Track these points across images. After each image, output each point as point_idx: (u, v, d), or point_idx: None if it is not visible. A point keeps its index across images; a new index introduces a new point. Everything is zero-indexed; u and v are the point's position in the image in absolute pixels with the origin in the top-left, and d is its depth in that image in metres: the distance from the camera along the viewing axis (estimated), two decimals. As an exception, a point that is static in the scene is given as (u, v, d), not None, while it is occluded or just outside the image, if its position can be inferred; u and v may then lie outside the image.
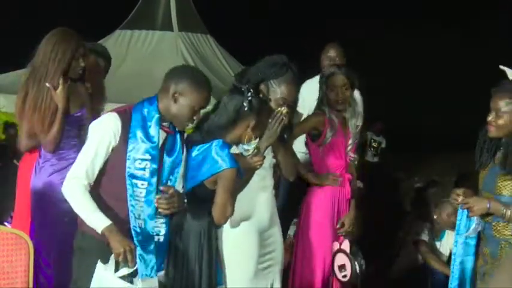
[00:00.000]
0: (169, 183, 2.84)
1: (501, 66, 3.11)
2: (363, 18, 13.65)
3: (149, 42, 9.06)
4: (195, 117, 2.84)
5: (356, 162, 4.17)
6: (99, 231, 2.68)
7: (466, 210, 2.99)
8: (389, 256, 5.16)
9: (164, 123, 2.82)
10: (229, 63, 9.19)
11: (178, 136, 2.89)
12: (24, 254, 3.04)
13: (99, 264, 2.72)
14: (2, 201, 4.06)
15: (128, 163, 2.75)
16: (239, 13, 14.05)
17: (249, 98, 2.97)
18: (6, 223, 3.88)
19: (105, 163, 2.77)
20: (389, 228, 5.65)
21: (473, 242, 3.15)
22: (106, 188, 2.80)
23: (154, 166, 2.78)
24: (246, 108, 2.96)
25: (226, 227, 3.12)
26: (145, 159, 2.76)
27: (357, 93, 4.60)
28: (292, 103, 3.23)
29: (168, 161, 2.84)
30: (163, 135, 2.83)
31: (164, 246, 2.86)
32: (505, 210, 2.92)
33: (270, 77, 3.19)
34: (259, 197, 3.24)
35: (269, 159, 3.26)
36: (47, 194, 3.28)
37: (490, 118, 2.95)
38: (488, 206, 2.93)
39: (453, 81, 12.73)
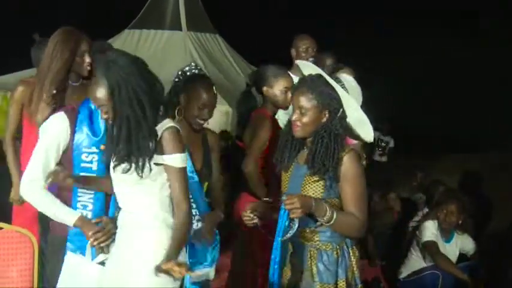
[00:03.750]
0: None
1: (297, 61, 2.88)
2: (372, 17, 13.63)
3: (158, 41, 9.07)
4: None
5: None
6: (71, 224, 2.72)
7: (287, 212, 2.57)
8: (397, 257, 5.14)
9: None
10: (238, 62, 9.19)
11: None
12: (28, 252, 3.05)
13: (69, 254, 2.77)
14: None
15: (75, 157, 2.79)
16: (248, 12, 14.05)
17: None
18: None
19: (61, 162, 2.80)
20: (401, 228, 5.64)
21: None
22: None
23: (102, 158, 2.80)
24: None
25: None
26: (92, 152, 2.80)
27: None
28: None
29: None
30: None
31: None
32: (328, 210, 2.57)
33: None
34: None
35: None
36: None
37: (294, 117, 2.68)
38: (313, 204, 2.56)
39: (462, 82, 12.70)
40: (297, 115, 2.67)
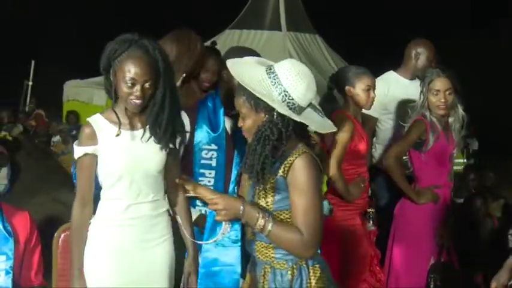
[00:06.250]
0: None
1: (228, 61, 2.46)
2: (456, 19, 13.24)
3: (257, 41, 9.19)
4: None
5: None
6: None
7: (213, 214, 2.27)
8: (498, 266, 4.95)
9: (231, 112, 2.91)
10: (337, 63, 9.16)
11: None
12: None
13: None
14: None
15: (195, 154, 2.91)
16: (348, 13, 13.95)
17: None
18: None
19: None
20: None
21: (236, 252, 2.71)
22: None
23: (221, 155, 2.91)
24: None
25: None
26: (212, 149, 2.92)
27: None
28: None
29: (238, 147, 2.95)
30: (230, 123, 2.95)
31: None
32: (260, 219, 2.23)
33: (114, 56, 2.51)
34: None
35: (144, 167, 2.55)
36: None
37: (239, 124, 2.40)
38: (241, 209, 2.24)
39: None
40: (240, 120, 2.38)
